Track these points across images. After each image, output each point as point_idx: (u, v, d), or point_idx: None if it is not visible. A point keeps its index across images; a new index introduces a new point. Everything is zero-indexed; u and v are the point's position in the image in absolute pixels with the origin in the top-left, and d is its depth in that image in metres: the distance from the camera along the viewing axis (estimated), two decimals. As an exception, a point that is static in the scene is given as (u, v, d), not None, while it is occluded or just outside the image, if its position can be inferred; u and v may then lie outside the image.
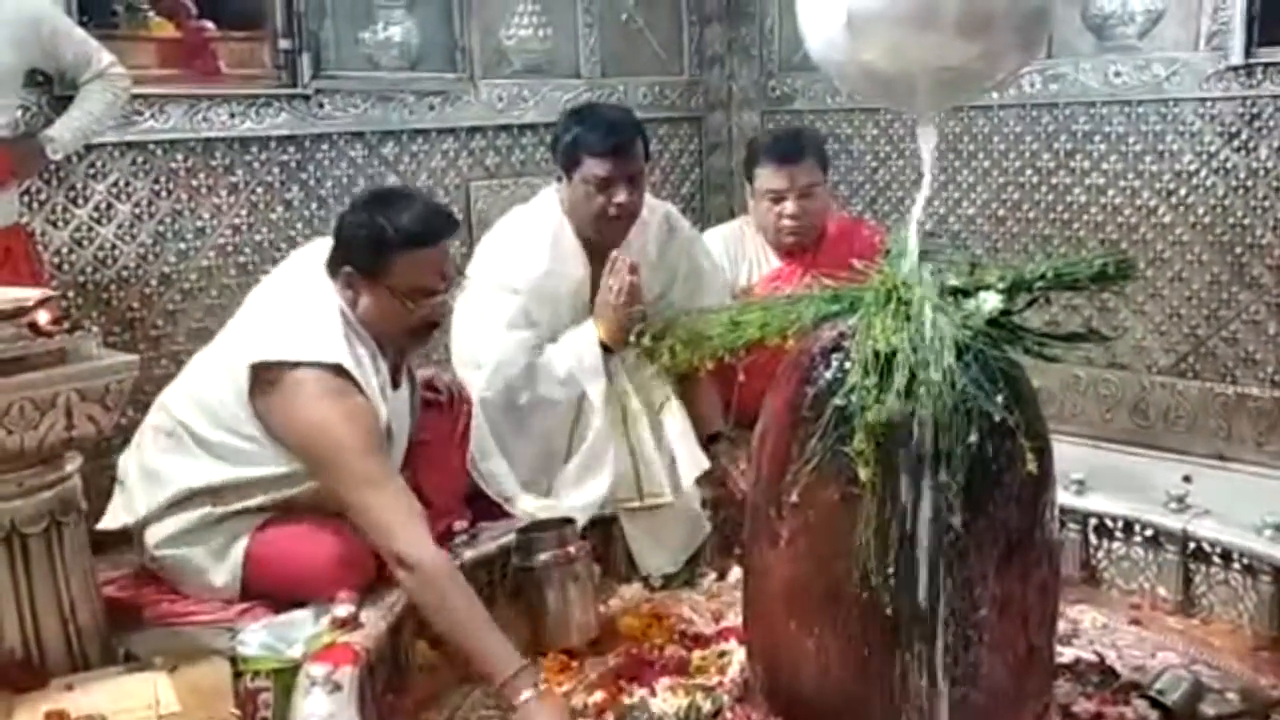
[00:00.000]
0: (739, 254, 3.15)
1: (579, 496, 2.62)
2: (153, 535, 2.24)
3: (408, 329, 2.23)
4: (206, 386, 2.22)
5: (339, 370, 2.11)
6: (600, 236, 2.67)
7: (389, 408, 2.23)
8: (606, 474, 2.63)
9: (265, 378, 2.11)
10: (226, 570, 2.20)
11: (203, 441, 2.19)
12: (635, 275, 2.61)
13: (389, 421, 2.22)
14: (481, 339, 2.63)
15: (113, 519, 2.30)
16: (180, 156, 3.08)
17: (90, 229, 2.95)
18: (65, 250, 2.91)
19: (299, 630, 1.99)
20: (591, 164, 2.59)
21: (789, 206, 3.03)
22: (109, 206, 2.98)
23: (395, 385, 2.32)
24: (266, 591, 2.18)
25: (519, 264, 2.63)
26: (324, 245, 2.30)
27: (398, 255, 2.15)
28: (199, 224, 3.13)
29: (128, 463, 2.32)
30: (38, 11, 2.63)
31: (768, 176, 3.06)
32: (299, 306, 2.20)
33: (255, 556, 2.19)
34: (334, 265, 2.23)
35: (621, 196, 2.60)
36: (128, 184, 3.00)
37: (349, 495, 2.09)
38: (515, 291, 2.61)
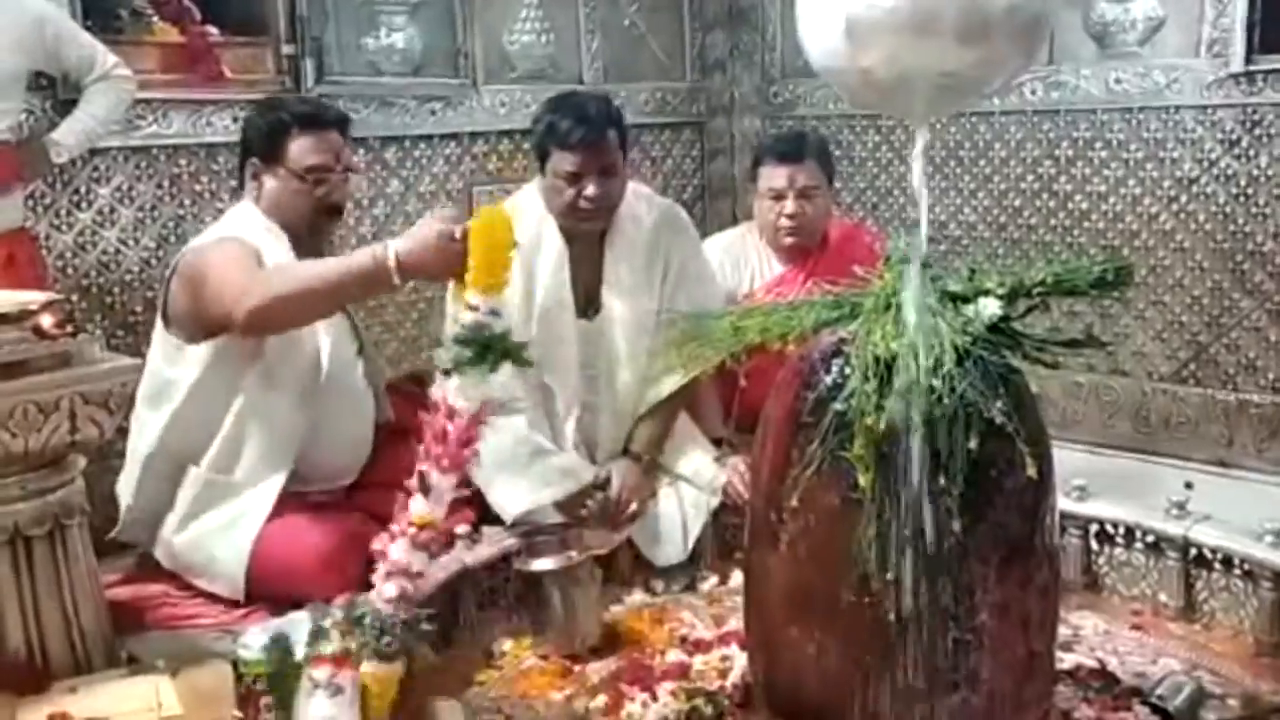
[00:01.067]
0: (741, 260, 3.15)
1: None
2: (168, 528, 2.31)
3: (310, 210, 2.38)
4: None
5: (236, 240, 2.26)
6: (574, 228, 2.64)
7: (321, 325, 2.33)
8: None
9: (175, 277, 2.29)
10: (234, 561, 2.25)
11: (146, 400, 2.31)
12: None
13: (320, 341, 2.35)
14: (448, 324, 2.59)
15: (117, 528, 2.38)
16: (184, 161, 3.09)
17: (94, 233, 2.96)
18: (69, 254, 2.92)
19: (301, 633, 1.99)
20: (559, 157, 2.56)
21: (788, 205, 3.03)
22: (113, 210, 2.98)
23: None
24: (266, 587, 2.23)
25: None
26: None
27: (293, 137, 2.37)
28: (202, 228, 3.12)
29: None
30: (41, 14, 2.64)
31: (769, 175, 3.07)
32: (215, 226, 2.44)
33: (258, 551, 2.25)
34: (241, 166, 2.44)
35: (591, 189, 2.55)
36: (131, 188, 3.01)
37: (214, 305, 2.17)
38: None
